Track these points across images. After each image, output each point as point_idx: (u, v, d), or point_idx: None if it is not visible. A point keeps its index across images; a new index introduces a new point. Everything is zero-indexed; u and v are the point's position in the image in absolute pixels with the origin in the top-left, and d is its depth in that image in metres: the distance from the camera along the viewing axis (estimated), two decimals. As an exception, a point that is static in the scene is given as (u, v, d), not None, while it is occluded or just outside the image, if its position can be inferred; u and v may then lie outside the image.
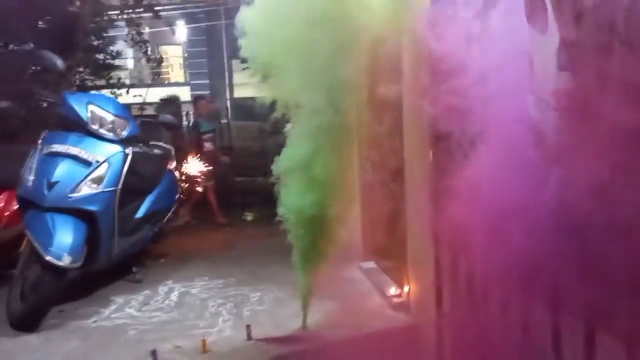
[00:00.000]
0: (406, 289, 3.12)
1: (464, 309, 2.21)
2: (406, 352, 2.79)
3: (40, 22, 5.47)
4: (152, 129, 4.35)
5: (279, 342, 2.76)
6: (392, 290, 3.22)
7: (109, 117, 3.52)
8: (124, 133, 3.59)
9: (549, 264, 1.43)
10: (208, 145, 6.06)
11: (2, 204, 3.95)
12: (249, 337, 2.79)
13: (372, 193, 3.87)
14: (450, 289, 2.36)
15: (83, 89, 6.70)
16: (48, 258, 3.03)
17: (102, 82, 7.82)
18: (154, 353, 2.54)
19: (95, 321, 3.14)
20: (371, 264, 3.90)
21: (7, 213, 3.92)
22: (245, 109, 11.77)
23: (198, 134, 6.10)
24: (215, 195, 5.94)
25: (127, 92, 7.39)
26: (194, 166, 5.65)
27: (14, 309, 3.04)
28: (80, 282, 3.61)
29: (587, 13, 0.94)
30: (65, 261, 3.08)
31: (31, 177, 3.27)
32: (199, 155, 5.78)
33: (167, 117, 4.42)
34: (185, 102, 11.37)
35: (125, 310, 3.30)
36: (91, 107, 3.47)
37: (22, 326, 2.99)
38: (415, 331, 2.86)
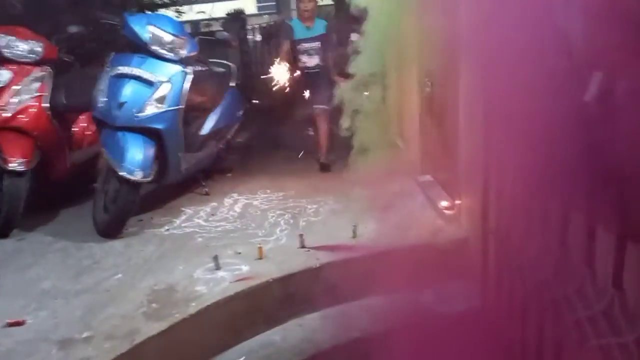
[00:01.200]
0: (457, 202, 3.13)
1: (506, 225, 2.20)
2: (453, 263, 2.86)
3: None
4: (213, 45, 4.41)
5: (330, 250, 2.92)
6: (444, 203, 3.23)
7: (168, 37, 3.61)
8: (184, 52, 3.69)
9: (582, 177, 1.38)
10: (306, 60, 4.63)
11: (85, 124, 4.32)
12: (302, 245, 2.98)
13: (431, 108, 3.77)
14: (495, 206, 2.34)
15: (149, 6, 6.81)
16: (122, 173, 3.33)
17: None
18: (215, 258, 2.80)
19: (167, 229, 3.47)
20: (427, 177, 3.90)
21: (89, 133, 4.29)
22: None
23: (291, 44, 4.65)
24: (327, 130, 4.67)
25: (191, 8, 7.38)
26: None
27: (99, 219, 3.42)
28: (155, 194, 3.96)
29: None
30: (137, 176, 3.37)
31: (103, 99, 3.51)
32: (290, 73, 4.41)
33: (224, 34, 4.45)
34: (251, 16, 11.26)
35: (194, 220, 3.61)
36: (150, 28, 3.57)
37: (106, 234, 3.38)
38: (464, 244, 2.90)
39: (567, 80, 1.45)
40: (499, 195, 2.27)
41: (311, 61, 4.67)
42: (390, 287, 2.77)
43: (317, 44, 4.67)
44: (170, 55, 3.60)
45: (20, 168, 3.52)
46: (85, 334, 2.27)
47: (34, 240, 3.41)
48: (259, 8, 12.92)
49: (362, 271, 2.82)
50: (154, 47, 3.56)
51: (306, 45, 4.67)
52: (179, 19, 7.15)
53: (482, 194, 2.45)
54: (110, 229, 3.41)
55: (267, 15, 12.54)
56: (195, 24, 9.44)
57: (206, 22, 9.82)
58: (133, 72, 3.49)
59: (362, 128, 3.56)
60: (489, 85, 2.34)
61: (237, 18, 10.21)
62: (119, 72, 3.50)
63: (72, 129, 4.19)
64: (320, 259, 2.82)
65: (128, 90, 3.46)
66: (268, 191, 4.12)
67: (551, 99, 1.57)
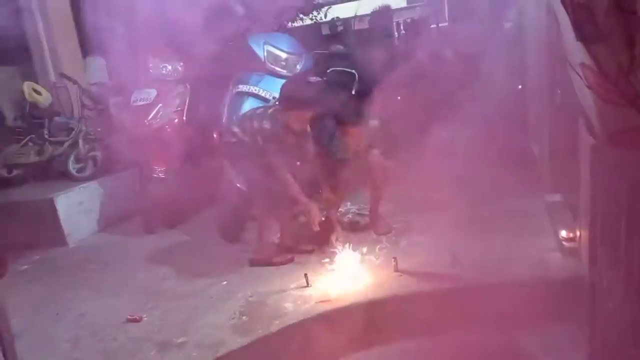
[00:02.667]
0: (578, 233, 2.70)
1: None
2: (562, 304, 2.51)
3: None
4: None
5: (424, 278, 2.78)
6: (563, 233, 2.83)
7: (283, 55, 3.79)
8: (298, 68, 3.83)
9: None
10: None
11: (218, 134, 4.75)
12: (396, 269, 2.88)
13: (559, 116, 3.31)
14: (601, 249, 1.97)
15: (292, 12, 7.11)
16: (239, 185, 3.60)
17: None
18: (306, 276, 2.88)
19: (278, 238, 3.65)
20: (557, 197, 3.44)
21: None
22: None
23: None
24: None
25: (325, 14, 7.54)
26: None
27: (222, 224, 3.76)
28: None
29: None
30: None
31: (226, 114, 3.83)
32: None
33: (338, 47, 4.48)
34: (399, 10, 11.06)
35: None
36: (267, 47, 3.78)
37: (228, 238, 3.70)
38: (578, 284, 2.50)
39: None
40: (603, 242, 1.91)
41: None
42: (486, 326, 2.55)
43: None
44: (284, 72, 3.77)
45: (162, 175, 4.04)
46: (181, 339, 2.53)
47: (171, 240, 3.89)
48: (409, 1, 12.62)
49: (456, 304, 2.64)
50: (271, 65, 3.76)
51: None
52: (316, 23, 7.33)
53: (590, 236, 2.08)
54: (230, 234, 3.72)
55: (418, 8, 12.19)
56: (334, 23, 9.58)
57: (354, 19, 9.92)
58: (251, 90, 3.74)
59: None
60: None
61: (383, 15, 10.14)
62: (239, 90, 3.78)
63: (208, 137, 4.65)
64: (409, 287, 2.70)
65: (246, 108, 3.71)
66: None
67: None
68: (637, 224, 1.52)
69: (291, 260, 3.23)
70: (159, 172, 4.07)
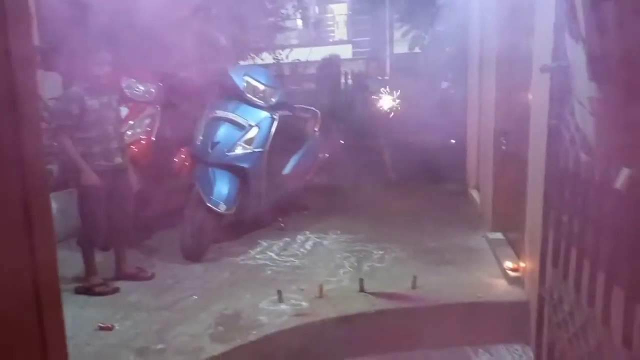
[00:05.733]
0: (522, 264, 3.11)
1: (559, 294, 2.20)
2: (508, 327, 2.85)
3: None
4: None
5: (387, 298, 3.03)
6: (508, 264, 3.22)
7: (261, 87, 4.04)
8: (273, 100, 4.09)
9: None
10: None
11: (184, 156, 4.84)
12: (361, 290, 3.12)
13: (504, 164, 3.79)
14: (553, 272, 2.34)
15: (253, 51, 7.45)
16: (208, 205, 3.72)
17: (272, 43, 8.48)
18: (279, 292, 3.03)
19: (242, 259, 3.78)
20: (498, 235, 3.88)
21: (187, 164, 4.80)
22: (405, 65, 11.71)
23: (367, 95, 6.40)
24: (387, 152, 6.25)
25: (287, 54, 7.96)
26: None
27: (185, 244, 3.82)
28: (236, 225, 4.32)
29: (611, 29, 0.94)
30: (222, 208, 3.75)
31: (200, 137, 3.97)
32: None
33: (309, 85, 4.82)
34: (346, 60, 11.76)
35: (267, 253, 3.89)
36: (247, 78, 4.02)
37: (190, 257, 3.76)
38: (524, 307, 2.87)
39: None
40: (554, 264, 2.28)
41: None
42: (442, 342, 2.82)
43: None
44: (261, 102, 4.01)
45: (126, 192, 4.03)
46: (159, 346, 2.58)
47: (130, 257, 3.86)
48: (354, 53, 13.47)
49: (416, 322, 2.91)
50: (248, 95, 3.99)
51: None
52: (276, 63, 7.76)
53: (540, 259, 2.45)
54: (194, 254, 3.78)
55: (361, 60, 12.98)
56: (294, 66, 10.08)
57: (304, 64, 10.41)
58: (228, 116, 3.93)
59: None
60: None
61: (331, 63, 10.77)
62: (215, 115, 3.95)
63: (174, 159, 4.72)
64: (376, 305, 2.94)
65: (222, 132, 3.89)
66: (339, 232, 4.32)
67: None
68: (585, 244, 1.87)
69: (115, 291, 3.24)
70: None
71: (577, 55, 1.11)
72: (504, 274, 3.24)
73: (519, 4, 3.45)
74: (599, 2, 0.95)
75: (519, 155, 3.47)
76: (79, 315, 2.94)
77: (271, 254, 3.89)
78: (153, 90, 4.35)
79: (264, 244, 4.09)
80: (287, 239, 4.18)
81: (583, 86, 1.11)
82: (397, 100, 9.46)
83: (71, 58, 3.27)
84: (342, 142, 6.00)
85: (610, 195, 1.54)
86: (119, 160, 3.30)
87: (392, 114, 8.06)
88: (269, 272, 3.53)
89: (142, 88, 4.34)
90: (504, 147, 3.76)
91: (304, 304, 2.98)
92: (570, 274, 2.09)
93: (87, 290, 3.23)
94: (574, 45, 1.11)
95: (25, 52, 1.05)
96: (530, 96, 2.97)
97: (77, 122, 3.13)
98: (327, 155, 5.14)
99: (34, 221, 1.01)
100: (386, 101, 7.29)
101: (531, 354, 2.66)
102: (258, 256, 3.84)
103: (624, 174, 1.32)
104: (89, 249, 3.28)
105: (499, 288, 3.11)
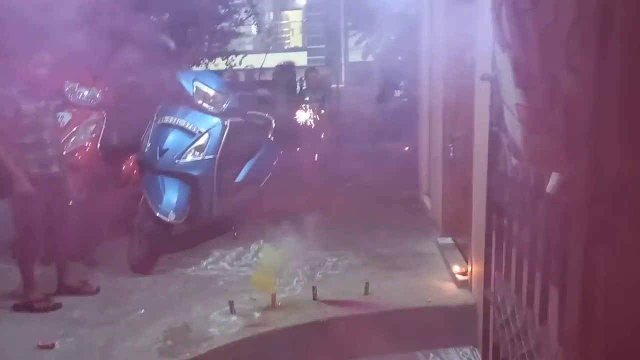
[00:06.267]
0: (470, 267, 3.18)
1: (502, 295, 2.26)
2: (457, 330, 2.91)
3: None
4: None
5: (340, 305, 3.03)
6: (456, 268, 3.29)
7: (211, 92, 3.97)
8: (224, 106, 4.03)
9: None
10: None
11: (131, 164, 4.69)
12: (314, 298, 3.10)
13: (452, 170, 3.89)
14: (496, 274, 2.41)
15: (206, 56, 7.36)
16: (157, 214, 3.62)
17: (225, 49, 8.39)
18: (231, 303, 2.97)
19: (194, 270, 3.69)
20: (448, 240, 3.96)
21: (135, 171, 4.66)
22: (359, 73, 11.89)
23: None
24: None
25: (240, 60, 7.91)
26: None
27: (133, 255, 3.69)
28: (187, 235, 4.21)
29: (532, 36, 0.98)
30: (171, 217, 3.65)
31: (148, 144, 3.86)
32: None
33: (262, 92, 4.80)
34: (301, 67, 11.82)
35: (219, 263, 3.82)
36: (196, 84, 3.94)
37: (138, 269, 3.63)
38: (472, 310, 2.94)
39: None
40: (497, 266, 2.34)
41: None
42: (394, 348, 2.84)
43: None
44: (211, 108, 3.94)
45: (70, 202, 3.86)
46: (103, 363, 2.47)
47: (73, 270, 3.70)
48: (309, 60, 13.53)
49: (369, 329, 2.92)
50: (198, 101, 3.92)
51: None
52: (230, 69, 7.70)
53: (485, 262, 2.52)
54: (142, 265, 3.66)
55: (316, 67, 13.04)
56: (249, 72, 10.04)
57: (259, 71, 10.39)
58: (177, 123, 3.84)
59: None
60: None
61: (287, 69, 10.79)
62: (164, 121, 3.86)
63: (121, 167, 4.57)
64: (329, 313, 2.93)
65: (171, 139, 3.80)
66: (293, 239, 4.28)
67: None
68: (524, 246, 1.94)
69: (57, 307, 3.10)
70: (66, 198, 3.89)
71: (504, 64, 1.15)
72: (452, 278, 3.31)
73: (465, 13, 3.55)
74: (521, 12, 0.98)
75: (466, 161, 3.57)
76: (17, 334, 2.78)
77: (224, 264, 3.82)
78: (98, 95, 4.20)
79: (217, 254, 4.00)
80: (240, 248, 4.11)
81: (511, 93, 1.14)
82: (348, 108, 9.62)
83: (7, 59, 3.10)
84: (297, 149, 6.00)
85: (543, 198, 1.60)
86: (55, 168, 3.15)
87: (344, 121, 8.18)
88: (221, 282, 3.47)
89: (87, 92, 4.18)
90: (451, 154, 3.85)
91: (257, 314, 2.94)
92: (511, 276, 2.16)
93: (26, 306, 3.06)
94: (501, 54, 1.14)
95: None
96: (474, 102, 3.05)
97: (11, 127, 2.97)
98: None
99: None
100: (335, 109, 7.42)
101: (480, 356, 2.73)
102: (210, 266, 3.77)
103: (554, 179, 1.37)
104: (27, 262, 3.11)
105: (448, 292, 3.17)
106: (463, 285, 3.19)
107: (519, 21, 0.99)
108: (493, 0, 1.10)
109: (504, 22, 1.04)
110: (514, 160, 1.55)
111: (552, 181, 1.34)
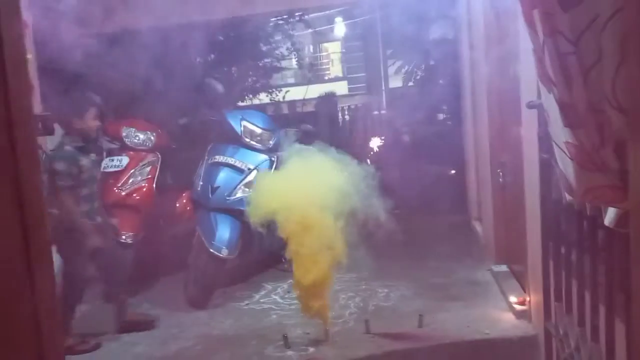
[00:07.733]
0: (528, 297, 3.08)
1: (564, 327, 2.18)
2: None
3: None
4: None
5: (394, 339, 3.00)
6: (513, 298, 3.20)
7: (258, 131, 4.12)
8: (271, 143, 4.16)
9: None
10: None
11: (185, 201, 4.88)
12: (368, 331, 3.09)
13: (503, 195, 3.82)
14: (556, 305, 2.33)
15: (250, 92, 7.61)
16: (211, 251, 3.73)
17: (268, 83, 8.65)
18: (285, 337, 3.01)
19: (247, 304, 3.76)
20: (503, 267, 3.86)
21: (189, 208, 4.84)
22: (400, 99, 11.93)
23: None
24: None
25: (284, 94, 8.13)
26: None
27: (189, 290, 3.81)
28: (240, 268, 4.31)
29: (577, 78, 0.99)
30: (224, 253, 3.76)
31: (200, 183, 4.02)
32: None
33: (306, 127, 4.90)
34: (342, 96, 11.99)
35: (272, 296, 3.87)
36: (244, 123, 4.10)
37: (194, 304, 3.74)
38: (532, 342, 2.84)
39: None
40: (557, 297, 2.27)
41: None
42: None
43: None
44: (258, 146, 4.08)
45: (129, 240, 4.06)
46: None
47: (135, 306, 3.85)
48: (350, 89, 13.71)
49: (426, 361, 2.87)
50: (246, 139, 4.06)
51: None
52: (273, 103, 7.93)
53: (544, 293, 2.44)
54: (198, 300, 3.77)
55: (358, 96, 13.23)
56: (292, 104, 10.30)
57: (302, 102, 10.63)
58: (227, 161, 3.99)
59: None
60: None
61: (328, 100, 10.99)
62: (215, 160, 4.01)
63: (176, 205, 4.76)
64: (383, 347, 2.91)
65: (221, 177, 3.94)
66: (342, 270, 4.28)
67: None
68: (585, 279, 1.88)
69: (97, 347, 3.14)
70: (125, 238, 4.09)
71: (550, 103, 1.16)
72: (510, 308, 3.21)
73: (506, 35, 3.54)
74: (563, 55, 1.00)
75: (515, 186, 3.50)
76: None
77: (275, 297, 3.87)
78: (153, 138, 4.43)
79: (269, 286, 4.07)
80: (291, 280, 4.14)
81: (559, 131, 1.15)
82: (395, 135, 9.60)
83: (69, 120, 3.31)
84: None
85: (602, 229, 1.56)
86: (99, 219, 3.32)
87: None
88: (274, 316, 3.51)
89: (142, 136, 4.42)
90: (500, 180, 3.79)
91: (311, 348, 2.95)
92: (573, 308, 2.09)
93: (68, 350, 3.01)
94: (547, 94, 1.16)
95: (27, 125, 1.09)
96: (521, 129, 3.01)
97: (74, 181, 3.16)
98: None
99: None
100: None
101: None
102: (262, 300, 3.83)
103: (612, 212, 1.34)
104: (69, 312, 3.16)
105: (506, 323, 3.08)
106: (521, 315, 3.08)
107: (562, 64, 1.01)
108: (534, 42, 1.12)
109: (547, 64, 1.05)
110: (566, 196, 1.53)
111: (610, 214, 1.32)
